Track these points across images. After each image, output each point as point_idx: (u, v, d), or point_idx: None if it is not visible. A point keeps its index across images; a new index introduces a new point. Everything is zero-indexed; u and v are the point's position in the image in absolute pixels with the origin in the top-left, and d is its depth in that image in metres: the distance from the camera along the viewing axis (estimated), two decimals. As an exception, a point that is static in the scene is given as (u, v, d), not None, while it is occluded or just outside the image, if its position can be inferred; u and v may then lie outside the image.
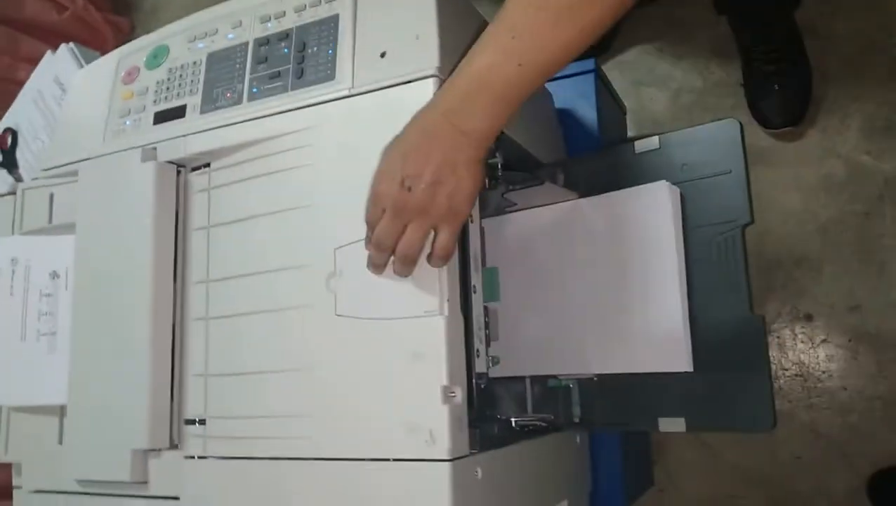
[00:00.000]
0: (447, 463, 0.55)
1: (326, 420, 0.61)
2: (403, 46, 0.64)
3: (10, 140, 1.26)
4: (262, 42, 0.72)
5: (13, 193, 0.85)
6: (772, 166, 1.12)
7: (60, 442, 0.77)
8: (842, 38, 1.13)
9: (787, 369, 1.10)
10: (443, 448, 0.56)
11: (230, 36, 0.75)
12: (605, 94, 1.04)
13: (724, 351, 0.70)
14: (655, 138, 0.78)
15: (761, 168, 1.12)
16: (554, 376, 0.79)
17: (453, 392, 0.57)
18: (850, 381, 1.06)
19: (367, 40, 0.66)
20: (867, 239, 1.06)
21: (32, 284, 0.81)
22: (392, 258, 0.59)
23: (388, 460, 0.58)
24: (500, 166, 0.78)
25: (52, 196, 0.82)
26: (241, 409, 0.67)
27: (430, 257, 0.59)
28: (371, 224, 0.60)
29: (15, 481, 0.80)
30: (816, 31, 1.13)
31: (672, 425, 0.73)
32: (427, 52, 0.63)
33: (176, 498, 0.68)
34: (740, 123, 0.72)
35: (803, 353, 1.09)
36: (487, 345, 0.73)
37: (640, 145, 0.78)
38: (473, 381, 0.63)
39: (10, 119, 1.28)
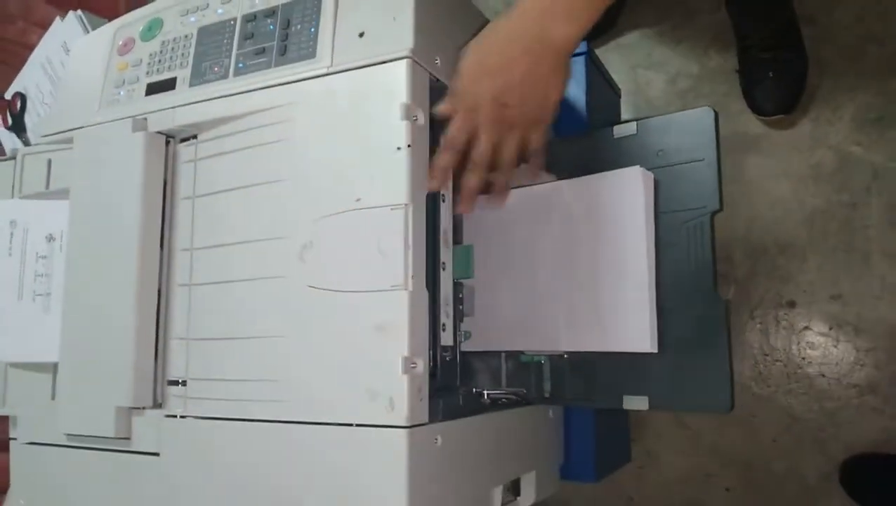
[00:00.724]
0: (405, 430, 0.58)
1: (295, 385, 0.64)
2: (381, 27, 0.66)
3: (18, 104, 1.30)
4: (250, 18, 0.74)
5: (13, 158, 0.88)
6: (763, 154, 1.13)
7: (53, 398, 0.81)
8: (840, 28, 1.12)
9: (767, 355, 1.12)
10: (401, 416, 0.58)
11: (220, 11, 0.77)
12: (598, 77, 1.05)
13: (688, 333, 0.73)
14: (633, 124, 0.79)
15: (752, 155, 1.13)
16: (525, 352, 0.81)
17: (414, 363, 0.60)
18: (828, 368, 1.08)
19: (348, 20, 0.68)
20: (853, 229, 1.07)
21: (29, 246, 0.84)
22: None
23: (350, 425, 0.61)
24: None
25: (49, 162, 0.86)
26: (218, 372, 0.70)
27: (529, 169, 0.68)
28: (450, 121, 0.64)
29: (11, 433, 0.85)
30: (815, 20, 1.12)
31: (636, 403, 0.75)
32: (402, 33, 0.64)
33: (156, 454, 0.72)
34: (715, 112, 0.73)
35: (785, 339, 1.11)
36: (460, 320, 0.75)
37: (618, 130, 0.80)
38: (438, 354, 0.65)
39: (20, 83, 1.31)
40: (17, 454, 0.83)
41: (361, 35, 0.67)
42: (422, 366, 0.61)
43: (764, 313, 1.12)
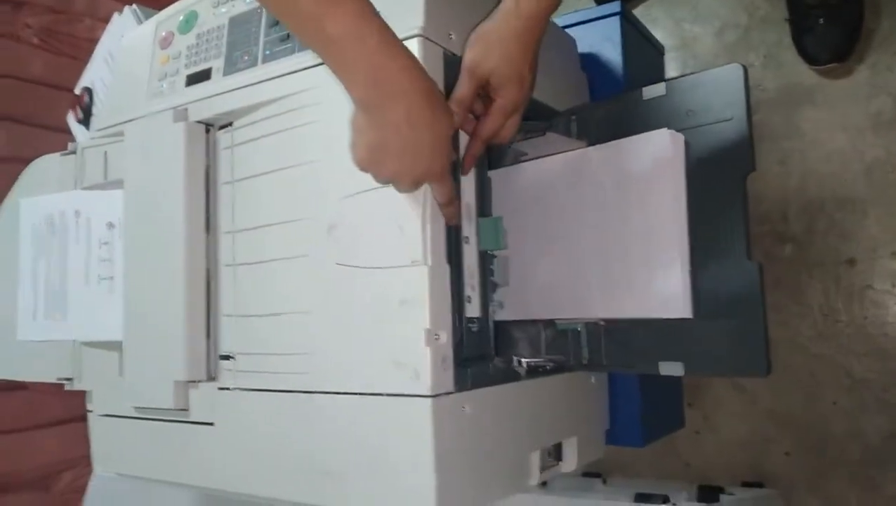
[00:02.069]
0: (429, 399, 0.61)
1: (326, 358, 0.67)
2: (392, 6, 0.66)
3: (87, 98, 1.38)
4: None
5: (74, 152, 0.94)
6: (817, 105, 1.08)
7: (121, 374, 0.88)
8: (900, -36, 1.05)
9: (827, 315, 1.08)
10: (425, 385, 0.61)
11: (247, 0, 0.79)
12: (635, 35, 1.02)
13: (723, 298, 0.71)
14: (662, 85, 0.77)
15: (806, 107, 1.08)
16: (560, 320, 0.82)
17: (437, 335, 0.62)
18: (892, 327, 1.04)
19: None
20: (916, 180, 1.01)
21: (93, 234, 0.91)
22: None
23: (378, 394, 0.63)
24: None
25: (105, 154, 0.91)
26: (260, 346, 0.74)
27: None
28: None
29: (88, 407, 0.92)
30: (872, -42, 1.06)
31: (671, 368, 0.75)
32: (413, 11, 0.65)
33: (211, 424, 0.77)
34: (744, 69, 0.71)
35: (845, 298, 1.07)
36: (492, 291, 0.77)
37: (647, 92, 0.78)
38: (464, 325, 0.67)
39: (87, 78, 1.39)
40: (95, 426, 0.91)
41: (377, 15, 0.68)
42: (445, 337, 0.62)
43: (823, 272, 1.08)
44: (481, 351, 0.72)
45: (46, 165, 0.97)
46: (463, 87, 0.66)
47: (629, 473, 1.19)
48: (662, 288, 0.74)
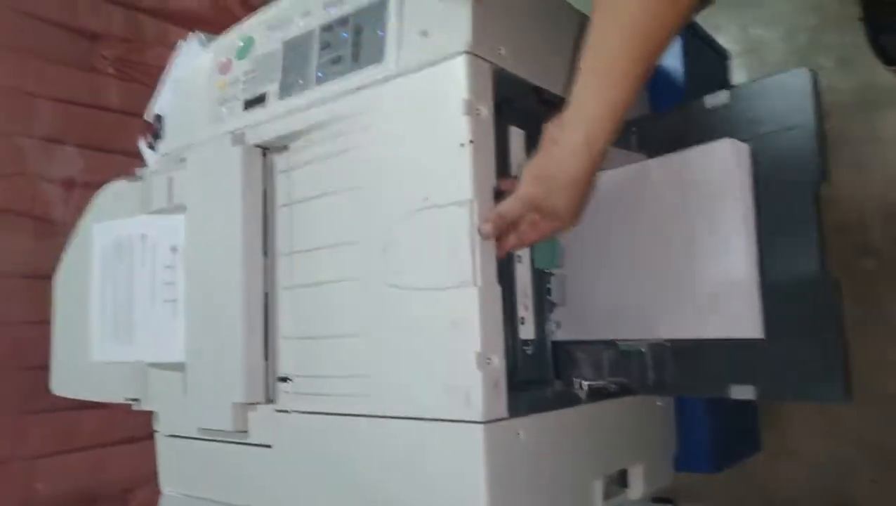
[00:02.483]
0: (481, 425, 0.59)
1: (379, 381, 0.66)
2: (440, 24, 0.66)
3: (157, 125, 1.42)
4: (326, 28, 0.77)
5: (141, 178, 0.97)
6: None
7: (183, 395, 0.89)
8: None
9: (916, 331, 1.01)
10: (477, 411, 0.59)
11: (301, 24, 0.80)
12: (697, 43, 0.98)
13: (797, 317, 0.67)
14: (725, 93, 0.74)
15: (886, 110, 1.01)
16: (622, 341, 0.79)
17: (489, 359, 0.60)
18: None
19: (411, 20, 0.69)
20: None
21: (157, 257, 0.93)
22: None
23: (429, 419, 0.62)
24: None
25: (170, 179, 0.94)
26: (317, 368, 0.74)
27: None
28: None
29: (154, 426, 0.94)
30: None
31: (742, 392, 0.71)
32: (460, 28, 0.64)
33: (269, 446, 0.78)
34: (813, 73, 0.67)
35: (934, 313, 0.99)
36: (549, 311, 0.75)
37: (710, 100, 0.75)
38: (518, 347, 0.65)
39: (157, 105, 1.45)
40: (161, 445, 0.93)
41: (424, 34, 0.67)
42: (497, 361, 0.61)
43: (909, 286, 1.01)
44: (538, 374, 0.70)
45: (116, 191, 1.00)
46: (513, 209, 0.64)
47: (702, 498, 1.14)
48: (731, 307, 0.70)
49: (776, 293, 0.69)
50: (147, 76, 1.74)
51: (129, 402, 0.95)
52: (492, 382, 0.60)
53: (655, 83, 0.93)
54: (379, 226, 0.68)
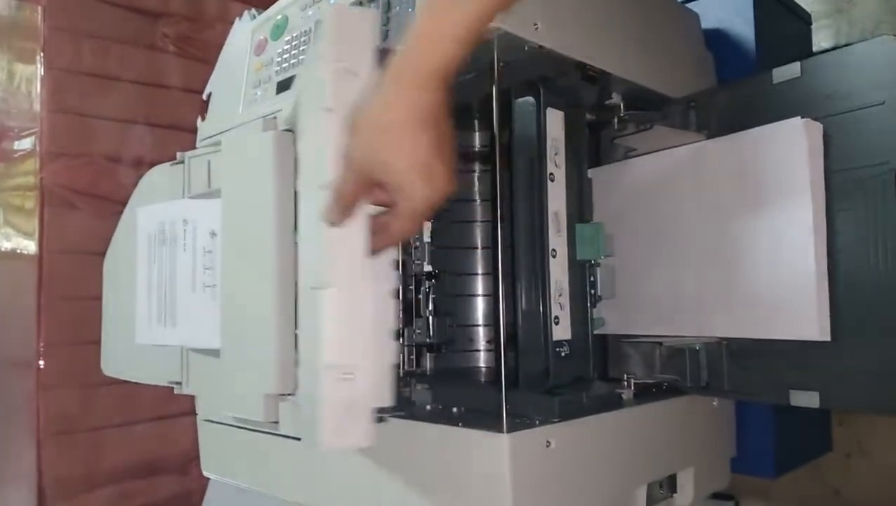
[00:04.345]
0: (505, 435, 0.55)
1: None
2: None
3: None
4: (356, 4, 0.73)
5: (182, 161, 0.96)
6: None
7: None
8: None
9: None
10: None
11: (332, 1, 0.76)
12: (771, 4, 0.89)
13: (868, 318, 0.60)
14: (796, 65, 0.66)
15: None
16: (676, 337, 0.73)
17: (347, 375, 0.53)
18: None
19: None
20: None
21: (198, 242, 0.92)
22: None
23: (456, 425, 0.58)
24: (621, 107, 0.73)
25: (209, 163, 0.92)
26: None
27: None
28: None
29: (197, 409, 0.95)
30: None
31: (804, 399, 0.64)
32: (492, 1, 0.58)
33: (298, 439, 0.76)
34: (898, 41, 0.58)
35: None
36: (592, 305, 0.69)
37: (778, 74, 0.67)
38: (550, 350, 0.60)
39: (213, 84, 1.44)
40: (202, 430, 0.93)
41: (456, 9, 0.62)
42: (364, 378, 0.54)
43: None
44: (575, 375, 0.65)
45: (160, 174, 1.00)
46: (344, 182, 0.52)
47: (767, 498, 1.07)
48: (795, 305, 0.63)
49: (846, 292, 0.61)
50: (209, 53, 1.75)
51: (172, 385, 0.96)
52: (340, 406, 0.52)
53: (724, 52, 0.84)
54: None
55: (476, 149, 0.80)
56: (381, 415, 0.55)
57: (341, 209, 0.53)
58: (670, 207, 0.72)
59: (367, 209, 0.54)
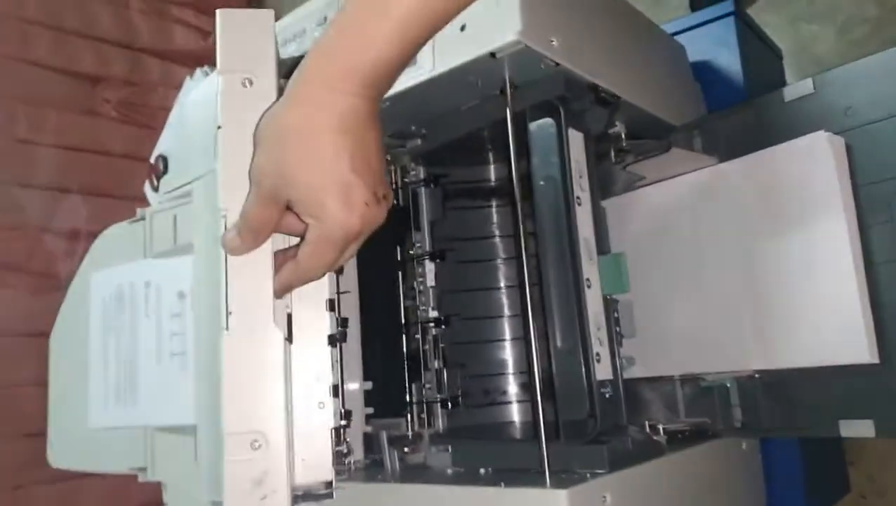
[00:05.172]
0: (563, 491, 0.47)
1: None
2: (483, 15, 0.57)
3: (161, 166, 1.34)
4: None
5: (142, 218, 0.88)
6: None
7: (196, 461, 0.78)
8: None
9: None
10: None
11: (316, 34, 0.71)
12: (752, 38, 0.89)
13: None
14: (808, 81, 0.64)
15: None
16: (705, 375, 0.68)
17: (255, 442, 0.44)
18: None
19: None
20: None
21: (163, 305, 0.83)
22: None
23: (497, 486, 0.51)
24: (623, 136, 0.70)
25: (175, 217, 0.84)
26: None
27: None
28: None
29: (164, 499, 0.83)
30: None
31: (858, 428, 0.59)
32: (509, 16, 0.55)
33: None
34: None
35: None
36: (619, 344, 0.64)
37: (790, 92, 0.65)
38: (595, 391, 0.54)
39: (161, 146, 1.36)
40: (171, 520, 0.81)
41: (463, 28, 0.58)
42: (281, 438, 0.43)
43: None
44: (615, 420, 0.59)
45: (116, 235, 0.91)
46: (250, 204, 0.44)
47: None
48: (837, 327, 0.59)
49: (889, 309, 0.58)
50: (152, 119, 1.68)
51: (135, 472, 0.84)
52: (245, 482, 0.42)
53: (711, 83, 0.83)
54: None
55: (490, 183, 0.75)
56: (322, 493, 0.45)
57: (245, 236, 0.45)
58: (689, 235, 0.68)
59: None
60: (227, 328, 0.44)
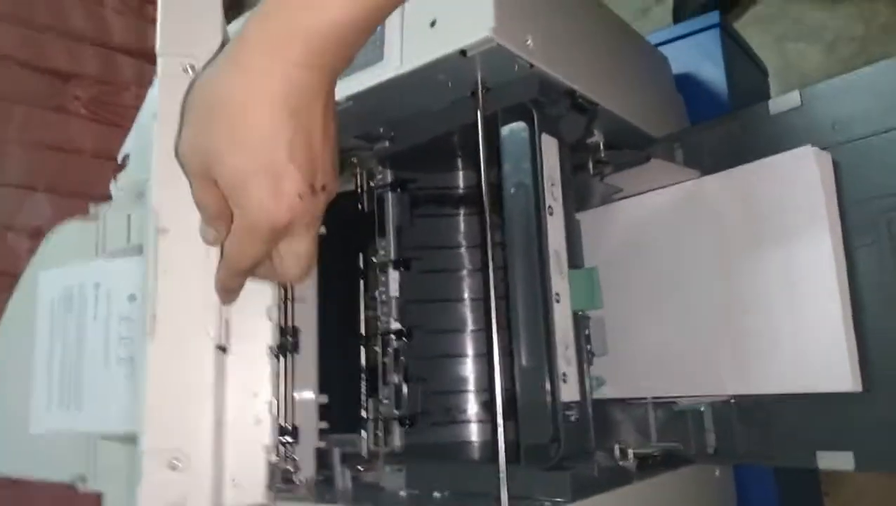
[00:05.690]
0: (519, 521, 0.44)
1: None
2: (455, 10, 0.54)
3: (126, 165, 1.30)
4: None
5: (96, 217, 0.83)
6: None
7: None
8: None
9: None
10: None
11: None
12: (737, 52, 0.87)
13: (908, 364, 0.53)
14: (795, 94, 0.61)
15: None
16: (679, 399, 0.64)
17: (172, 462, 0.40)
18: None
19: (417, 9, 0.56)
20: None
21: (113, 308, 0.78)
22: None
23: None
24: (601, 146, 0.67)
25: (129, 217, 0.80)
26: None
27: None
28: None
29: (104, 511, 0.78)
30: None
31: (836, 460, 0.56)
32: (481, 12, 0.51)
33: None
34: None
35: None
36: (589, 364, 0.60)
37: (775, 105, 0.62)
38: (559, 413, 0.51)
39: (129, 146, 1.32)
40: (111, 536, 0.76)
41: (433, 24, 0.55)
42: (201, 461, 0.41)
43: None
44: (581, 445, 0.55)
45: (68, 233, 0.86)
46: (191, 187, 0.41)
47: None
48: (819, 353, 0.56)
49: (874, 335, 0.55)
50: (123, 118, 1.64)
51: (75, 481, 0.79)
52: (161, 502, 0.39)
53: (694, 96, 0.81)
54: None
55: (459, 190, 0.71)
56: None
57: (206, 221, 0.40)
58: (667, 251, 0.65)
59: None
60: (152, 334, 0.39)
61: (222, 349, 0.41)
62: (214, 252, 0.41)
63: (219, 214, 0.40)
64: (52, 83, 1.50)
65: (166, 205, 0.41)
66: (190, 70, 0.42)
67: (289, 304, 0.54)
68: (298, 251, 0.40)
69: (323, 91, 0.38)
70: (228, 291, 0.42)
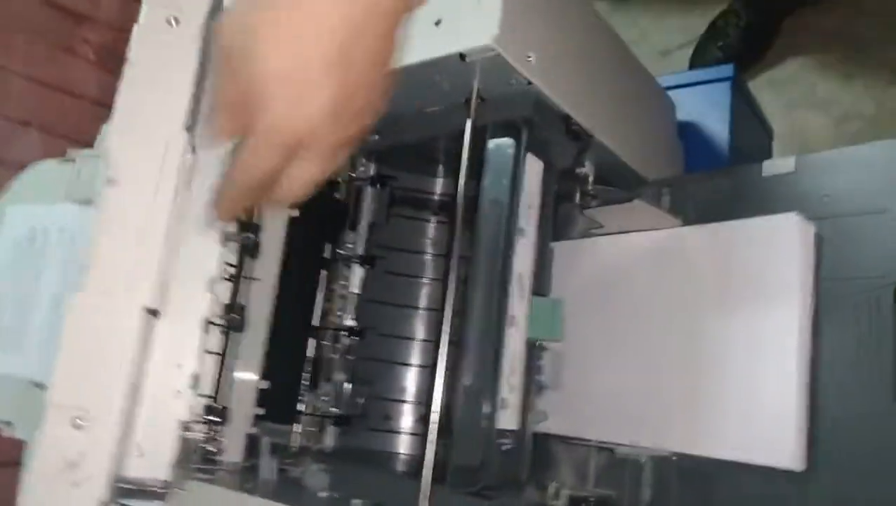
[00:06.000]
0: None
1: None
2: (461, 13, 0.52)
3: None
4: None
5: (73, 160, 0.81)
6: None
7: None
8: None
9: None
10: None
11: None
12: (745, 108, 0.86)
13: (855, 451, 0.52)
14: (791, 159, 0.60)
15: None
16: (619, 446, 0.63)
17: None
18: None
19: (425, 6, 0.55)
20: None
21: (73, 255, 0.76)
22: None
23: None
24: (590, 179, 0.66)
25: (100, 165, 0.78)
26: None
27: None
28: None
29: (25, 460, 0.76)
30: None
31: (770, 538, 0.55)
32: (487, 19, 0.50)
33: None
34: (909, 147, 0.53)
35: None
36: (536, 394, 0.59)
37: (769, 167, 0.61)
38: (492, 439, 0.49)
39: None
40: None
41: (438, 23, 0.54)
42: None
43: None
44: (511, 476, 0.53)
45: (42, 172, 0.85)
46: (217, 119, 0.37)
47: None
48: (767, 426, 0.54)
49: (825, 415, 0.53)
50: (131, 69, 1.62)
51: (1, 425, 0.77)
52: (58, 462, 0.38)
53: (695, 145, 0.80)
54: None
55: (437, 197, 0.70)
56: (154, 491, 0.39)
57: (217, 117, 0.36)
58: (636, 295, 0.64)
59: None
60: (82, 287, 0.37)
61: (153, 313, 0.39)
62: (162, 211, 0.39)
63: (231, 109, 0.36)
64: (65, 22, 1.48)
65: (119, 155, 0.39)
66: (174, 22, 0.40)
67: (242, 280, 0.52)
68: (306, 177, 0.37)
69: (393, 8, 0.35)
70: (227, 208, 0.38)
